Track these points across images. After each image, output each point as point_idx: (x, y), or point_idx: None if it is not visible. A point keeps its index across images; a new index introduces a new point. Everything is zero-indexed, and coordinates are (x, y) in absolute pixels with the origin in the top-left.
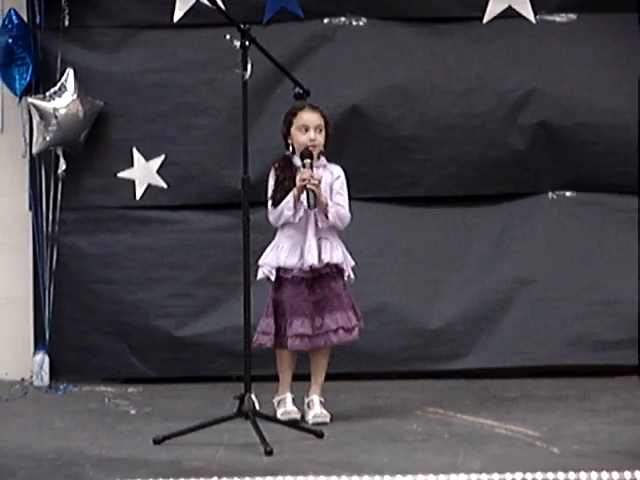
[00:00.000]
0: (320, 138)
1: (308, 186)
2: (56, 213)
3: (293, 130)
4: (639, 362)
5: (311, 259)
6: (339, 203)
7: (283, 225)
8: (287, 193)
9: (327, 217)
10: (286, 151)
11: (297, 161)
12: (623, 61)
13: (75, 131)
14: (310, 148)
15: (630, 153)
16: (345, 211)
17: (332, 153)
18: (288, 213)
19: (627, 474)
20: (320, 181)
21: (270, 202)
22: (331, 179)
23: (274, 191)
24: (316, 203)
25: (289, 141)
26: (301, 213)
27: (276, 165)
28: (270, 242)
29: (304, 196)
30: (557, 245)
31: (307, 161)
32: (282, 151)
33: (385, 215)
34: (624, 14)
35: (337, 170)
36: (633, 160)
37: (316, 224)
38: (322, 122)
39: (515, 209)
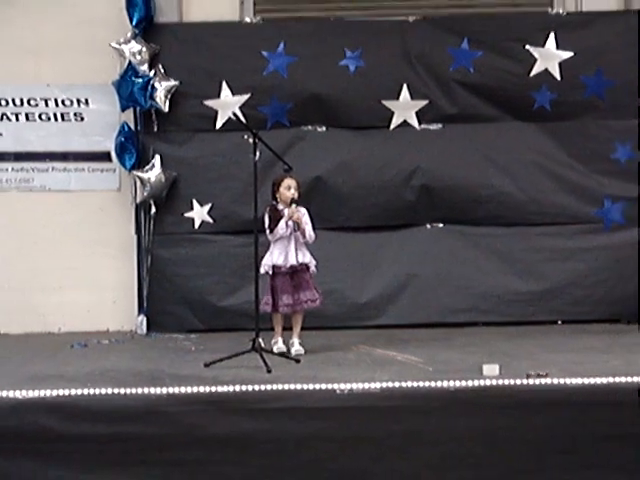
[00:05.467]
0: (296, 194)
1: (294, 219)
2: (150, 236)
3: (282, 189)
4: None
5: (292, 260)
6: (309, 229)
7: (275, 241)
8: (277, 224)
9: (304, 237)
10: (273, 201)
11: (280, 206)
12: (469, 149)
13: (160, 190)
14: (293, 199)
15: (470, 201)
16: (312, 233)
17: (305, 202)
18: (282, 232)
19: (470, 382)
20: (299, 216)
21: (268, 231)
22: (301, 215)
23: (270, 225)
24: (299, 228)
25: (276, 195)
26: (289, 230)
27: (268, 210)
28: (267, 251)
29: (291, 223)
30: (432, 255)
31: (294, 205)
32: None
33: (333, 237)
34: (468, 124)
35: (303, 210)
36: (472, 205)
37: (295, 240)
38: (297, 185)
39: (407, 234)
